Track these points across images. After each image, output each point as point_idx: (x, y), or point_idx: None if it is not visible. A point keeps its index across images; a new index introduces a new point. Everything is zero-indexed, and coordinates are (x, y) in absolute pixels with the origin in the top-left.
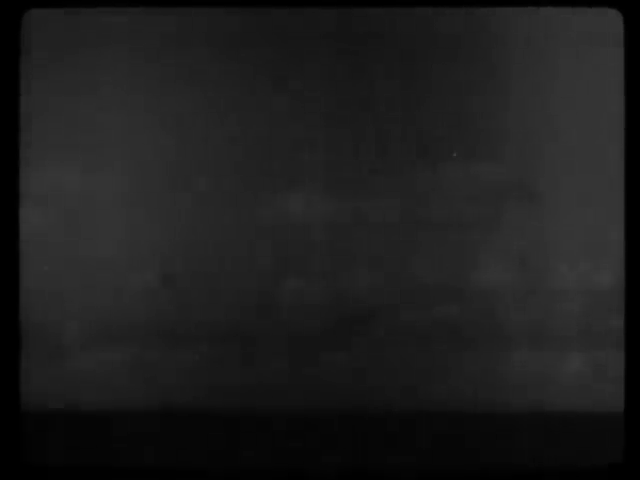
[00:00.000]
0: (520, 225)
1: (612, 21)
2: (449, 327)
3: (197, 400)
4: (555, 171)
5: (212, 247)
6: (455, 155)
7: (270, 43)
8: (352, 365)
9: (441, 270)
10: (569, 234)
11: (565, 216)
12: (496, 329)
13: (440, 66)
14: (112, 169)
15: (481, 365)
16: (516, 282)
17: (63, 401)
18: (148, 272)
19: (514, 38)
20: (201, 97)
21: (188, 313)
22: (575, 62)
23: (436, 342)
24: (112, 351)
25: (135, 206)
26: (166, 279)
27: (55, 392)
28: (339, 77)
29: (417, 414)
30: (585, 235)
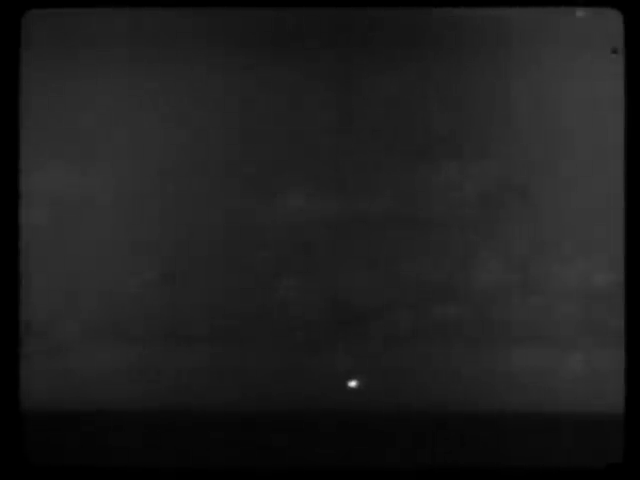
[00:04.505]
0: (519, 225)
1: (612, 21)
2: (447, 327)
3: (197, 400)
4: (554, 172)
5: (210, 246)
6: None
7: (267, 41)
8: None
9: (440, 270)
10: (568, 233)
11: (564, 216)
12: (495, 329)
13: (439, 66)
14: (110, 169)
15: (479, 365)
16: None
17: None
18: (147, 271)
19: (513, 38)
20: (200, 97)
21: (186, 312)
22: (574, 62)
23: (434, 341)
24: (112, 350)
25: (133, 205)
26: (164, 278)
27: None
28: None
29: (416, 414)
30: (584, 235)
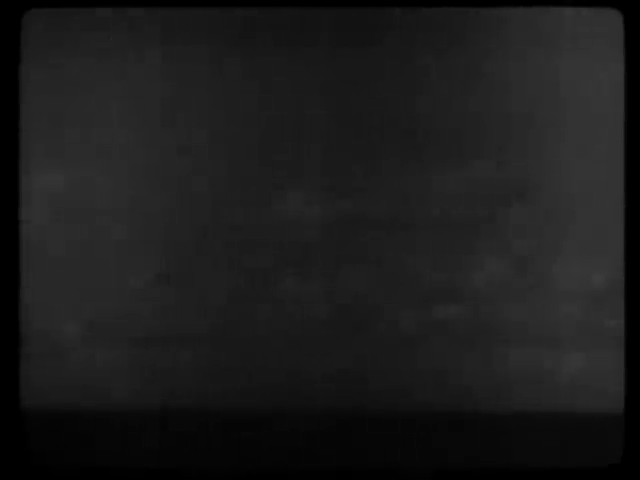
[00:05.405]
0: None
1: (612, 21)
2: (447, 327)
3: (196, 401)
4: (554, 171)
5: (209, 246)
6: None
7: (265, 41)
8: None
9: (440, 270)
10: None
11: (564, 216)
12: (495, 329)
13: (438, 65)
14: (109, 169)
15: (479, 365)
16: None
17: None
18: (145, 272)
19: (512, 38)
20: (199, 97)
21: (184, 312)
22: (574, 62)
23: (434, 342)
24: (113, 350)
25: (130, 205)
26: (161, 279)
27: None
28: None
29: (415, 415)
30: (584, 235)
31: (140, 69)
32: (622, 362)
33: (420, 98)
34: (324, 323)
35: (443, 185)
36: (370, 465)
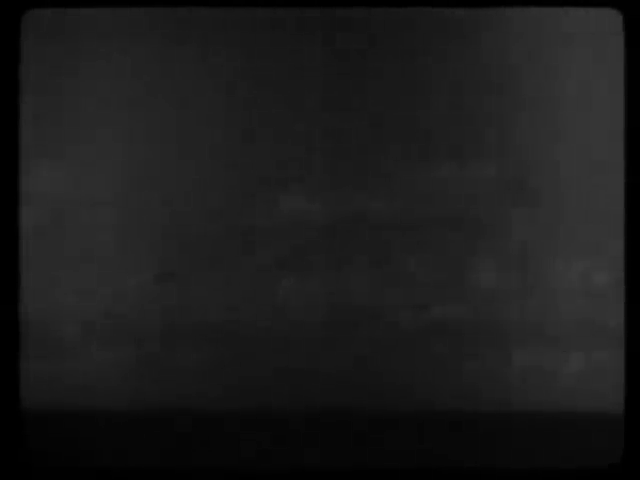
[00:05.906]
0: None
1: (612, 21)
2: (447, 327)
3: (195, 400)
4: (555, 171)
5: (209, 245)
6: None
7: (266, 41)
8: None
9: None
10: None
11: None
12: (495, 329)
13: (440, 66)
14: (110, 169)
15: (479, 365)
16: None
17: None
18: (145, 271)
19: (514, 38)
20: (198, 97)
21: (185, 312)
22: (575, 62)
23: (435, 342)
24: (113, 350)
25: (131, 205)
26: (162, 278)
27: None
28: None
29: (415, 414)
30: (584, 234)
31: (140, 68)
32: (622, 362)
33: (421, 99)
34: (324, 324)
35: (443, 185)
36: (370, 465)
